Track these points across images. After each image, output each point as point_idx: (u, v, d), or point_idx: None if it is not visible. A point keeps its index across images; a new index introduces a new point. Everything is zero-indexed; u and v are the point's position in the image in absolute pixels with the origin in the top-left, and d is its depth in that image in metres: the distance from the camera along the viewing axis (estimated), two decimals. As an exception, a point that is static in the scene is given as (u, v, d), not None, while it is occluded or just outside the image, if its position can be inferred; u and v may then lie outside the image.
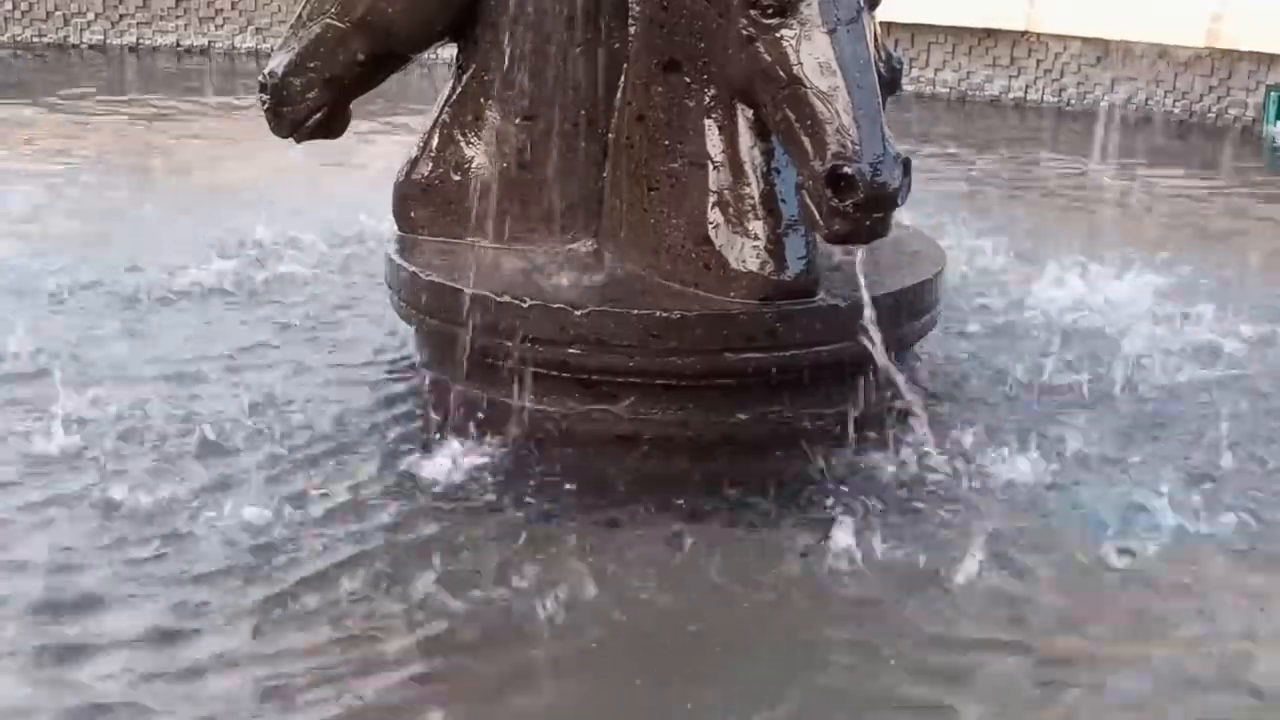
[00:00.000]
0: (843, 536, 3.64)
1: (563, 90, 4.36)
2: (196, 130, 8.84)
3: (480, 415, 4.14)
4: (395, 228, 4.70)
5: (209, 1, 11.39)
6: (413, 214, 4.64)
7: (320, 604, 3.37)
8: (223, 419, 4.25)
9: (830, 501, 3.85)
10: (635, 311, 4.02)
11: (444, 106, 4.59)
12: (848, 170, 3.58)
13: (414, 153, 4.64)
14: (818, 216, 3.68)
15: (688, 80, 4.07)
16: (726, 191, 4.04)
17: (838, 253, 4.21)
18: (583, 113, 4.37)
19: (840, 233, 3.69)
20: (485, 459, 4.01)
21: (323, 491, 3.85)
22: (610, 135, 4.29)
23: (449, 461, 3.98)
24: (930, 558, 3.60)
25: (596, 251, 4.37)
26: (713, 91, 4.03)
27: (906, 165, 3.66)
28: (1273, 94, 9.10)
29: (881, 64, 4.36)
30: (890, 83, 4.65)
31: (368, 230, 5.95)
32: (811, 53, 3.71)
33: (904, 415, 4.15)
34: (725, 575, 3.55)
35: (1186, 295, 5.51)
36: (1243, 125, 9.29)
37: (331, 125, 4.60)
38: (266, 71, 4.51)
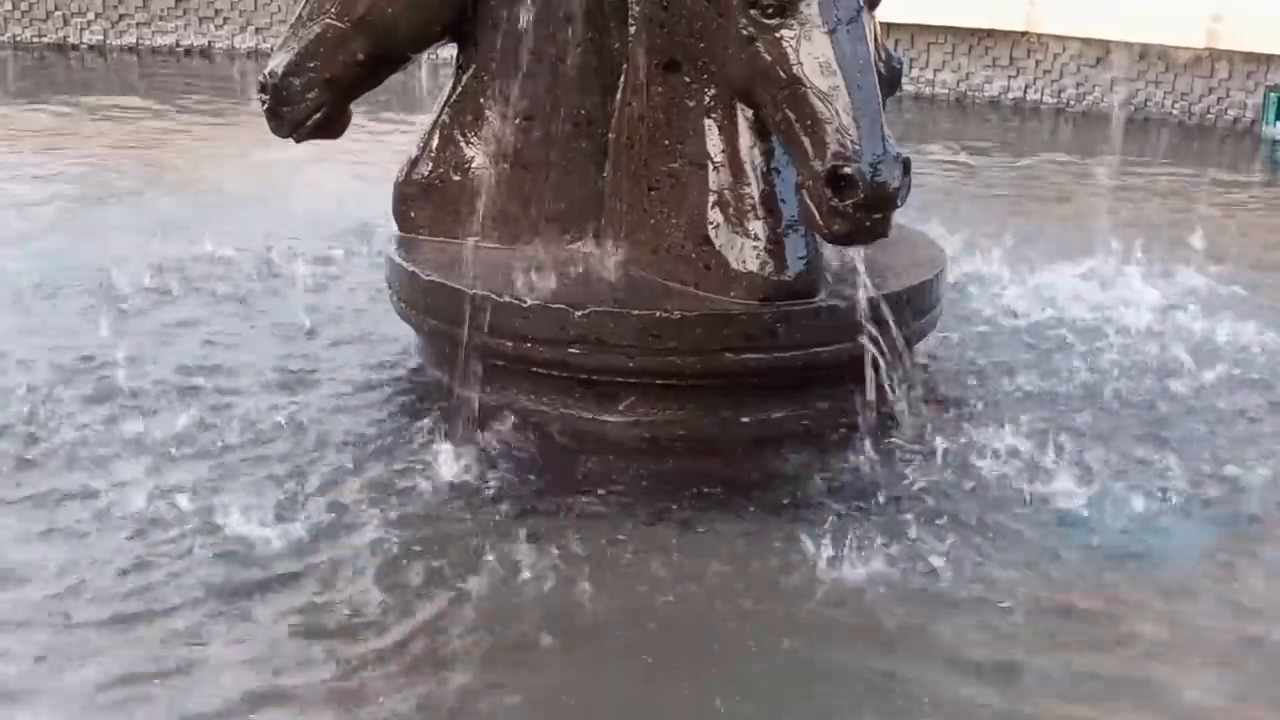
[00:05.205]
0: (842, 536, 3.64)
1: (563, 90, 4.36)
2: (196, 130, 8.84)
3: (480, 415, 4.14)
4: (395, 228, 4.70)
5: (209, 1, 11.39)
6: (413, 214, 4.64)
7: (320, 604, 3.37)
8: (223, 419, 4.25)
9: (830, 501, 3.85)
10: (635, 311, 4.02)
11: (444, 106, 4.59)
12: (848, 170, 3.58)
13: (414, 153, 4.64)
14: (818, 216, 3.68)
15: (688, 80, 4.07)
16: (726, 191, 4.04)
17: (838, 253, 4.21)
18: (583, 113, 4.37)
19: (840, 233, 3.69)
20: (485, 459, 4.01)
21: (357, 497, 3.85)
22: (610, 135, 4.30)
23: (449, 461, 3.98)
24: (929, 558, 3.60)
25: (596, 251, 4.37)
26: (713, 91, 4.03)
27: (906, 165, 3.66)
28: (1272, 95, 9.11)
29: (881, 64, 4.36)
30: (890, 83, 4.65)
31: (368, 230, 5.94)
32: (811, 53, 3.71)
33: (903, 416, 4.15)
34: (725, 576, 3.55)
35: (1186, 296, 5.52)
36: (1242, 126, 9.30)
37: (331, 125, 4.59)
38: (266, 71, 4.50)
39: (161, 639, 3.22)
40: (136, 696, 3.03)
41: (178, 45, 11.36)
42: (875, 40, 4.06)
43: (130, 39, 11.40)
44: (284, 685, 3.08)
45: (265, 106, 4.51)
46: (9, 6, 11.42)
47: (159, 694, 3.04)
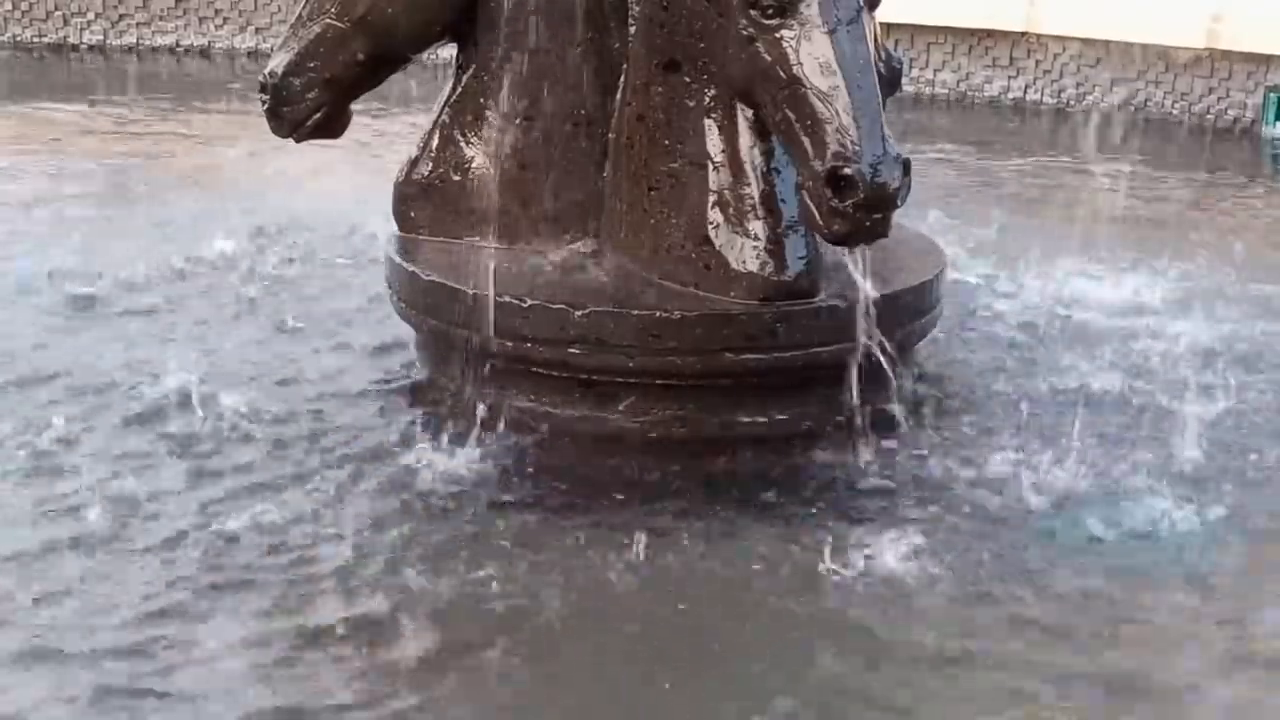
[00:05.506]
0: (842, 536, 3.64)
1: (563, 90, 4.36)
2: (195, 130, 8.83)
3: (480, 415, 4.14)
4: (395, 228, 4.70)
5: (209, 1, 11.37)
6: (412, 214, 4.64)
7: (319, 603, 3.37)
8: (222, 419, 4.25)
9: (830, 502, 3.85)
10: (635, 311, 4.03)
11: (444, 106, 4.59)
12: (848, 170, 3.58)
13: (414, 153, 4.64)
14: (818, 217, 3.69)
15: (688, 80, 4.07)
16: (726, 191, 4.05)
17: (837, 253, 4.20)
18: (583, 113, 4.38)
19: (840, 233, 3.69)
20: (485, 459, 4.01)
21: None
22: (610, 135, 4.30)
23: (449, 461, 3.98)
24: (929, 559, 3.60)
25: (596, 251, 4.37)
26: (713, 91, 4.03)
27: (906, 165, 3.67)
28: (1272, 95, 9.10)
29: (881, 64, 4.36)
30: (890, 83, 4.65)
31: (367, 230, 5.94)
32: (811, 53, 3.71)
33: (903, 416, 4.15)
34: (724, 575, 3.55)
35: (1184, 296, 5.52)
36: (1242, 126, 9.29)
37: (332, 125, 4.59)
38: (266, 71, 4.50)
39: (159, 638, 3.23)
40: (131, 695, 3.04)
41: (178, 45, 11.34)
42: (875, 40, 4.06)
43: (130, 39, 11.37)
44: (282, 684, 3.08)
45: (265, 106, 4.51)
46: (9, 6, 11.40)
47: (153, 691, 3.04)
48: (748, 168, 4.03)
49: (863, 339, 3.95)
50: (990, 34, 10.00)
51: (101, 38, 11.38)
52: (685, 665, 3.20)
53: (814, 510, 3.83)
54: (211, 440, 4.14)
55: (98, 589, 3.42)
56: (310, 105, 4.49)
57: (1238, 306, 5.44)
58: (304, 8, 4.51)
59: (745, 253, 4.04)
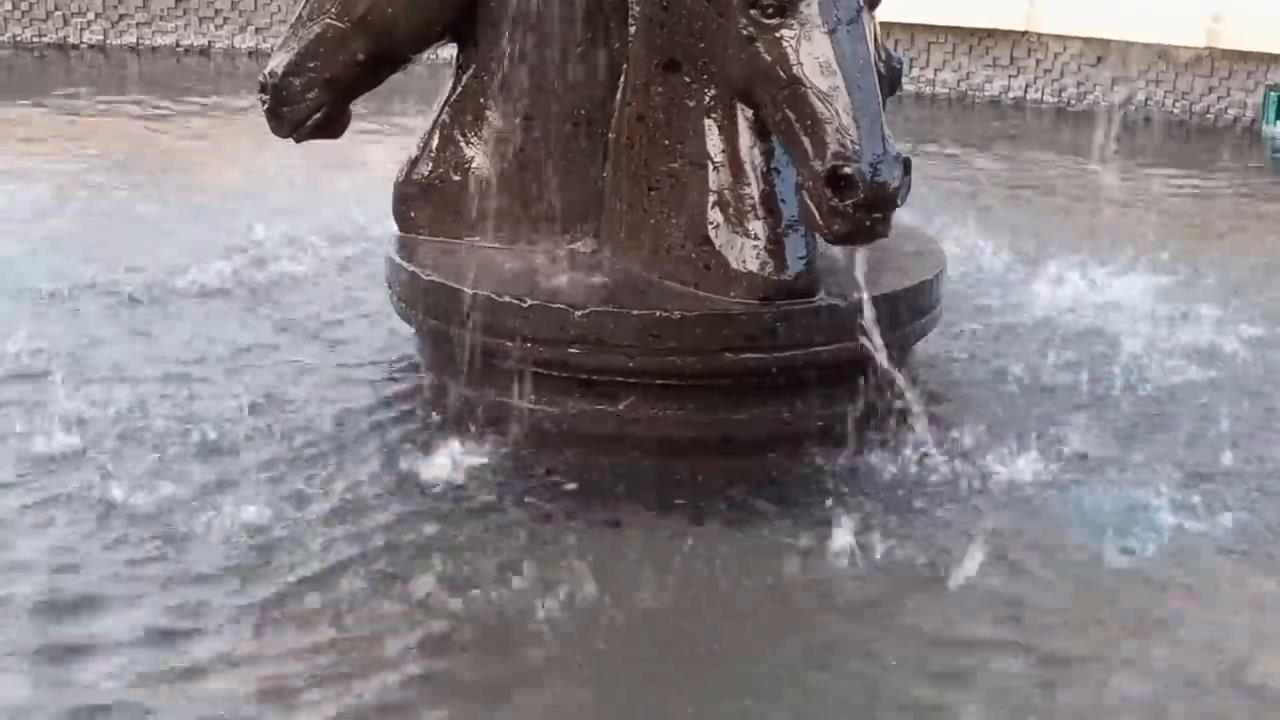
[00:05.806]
0: (843, 536, 3.64)
1: (563, 90, 4.36)
2: (196, 130, 8.83)
3: (480, 415, 4.14)
4: (395, 228, 4.70)
5: (209, 1, 11.37)
6: (413, 214, 4.64)
7: (320, 604, 3.37)
8: (222, 419, 4.25)
9: (830, 501, 3.85)
10: (635, 311, 4.02)
11: (444, 106, 4.59)
12: (848, 170, 3.58)
13: (414, 153, 4.64)
14: (818, 216, 3.69)
15: (688, 80, 4.07)
16: (726, 191, 4.04)
17: (837, 253, 4.21)
18: (583, 113, 4.37)
19: (840, 233, 3.69)
20: (485, 459, 4.02)
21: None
22: (610, 135, 4.30)
23: (449, 461, 3.98)
24: (930, 558, 3.61)
25: (596, 251, 4.37)
26: (713, 91, 4.03)
27: (906, 165, 3.67)
28: (1272, 94, 9.10)
29: (881, 64, 4.36)
30: (890, 83, 4.65)
31: (367, 230, 5.94)
32: (811, 53, 3.71)
33: (904, 415, 4.15)
34: (725, 575, 3.55)
35: (1185, 296, 5.51)
36: (1243, 125, 9.29)
37: (332, 125, 4.59)
38: (266, 71, 4.50)
39: (157, 637, 3.23)
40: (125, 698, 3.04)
41: (178, 45, 11.34)
42: (875, 40, 4.06)
43: (130, 39, 11.37)
44: (279, 686, 3.08)
45: (265, 106, 4.51)
46: (9, 6, 11.39)
47: (148, 697, 3.05)
48: (748, 168, 4.02)
49: (864, 339, 3.95)
50: (991, 33, 10.00)
51: (101, 38, 11.37)
52: (685, 665, 3.20)
53: (814, 510, 3.83)
54: (210, 437, 4.14)
55: (102, 577, 3.44)
56: (310, 105, 4.49)
57: (1234, 306, 5.43)
58: (304, 8, 4.51)
59: (745, 253, 4.03)
